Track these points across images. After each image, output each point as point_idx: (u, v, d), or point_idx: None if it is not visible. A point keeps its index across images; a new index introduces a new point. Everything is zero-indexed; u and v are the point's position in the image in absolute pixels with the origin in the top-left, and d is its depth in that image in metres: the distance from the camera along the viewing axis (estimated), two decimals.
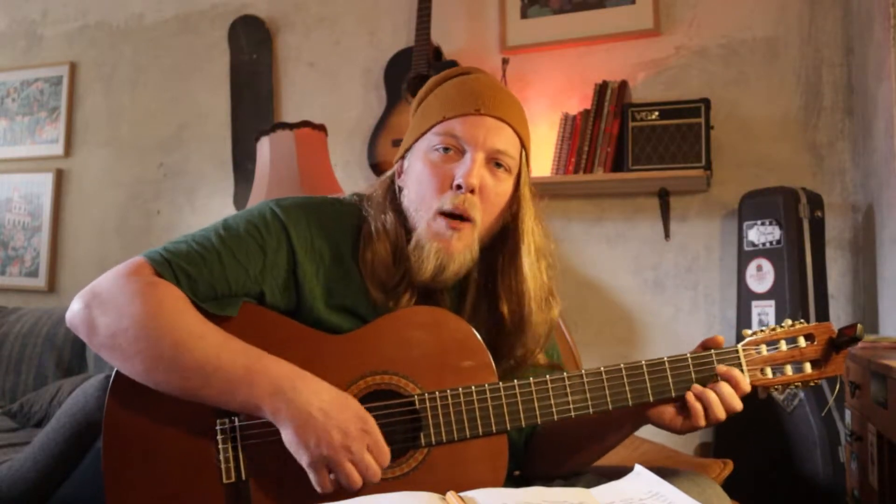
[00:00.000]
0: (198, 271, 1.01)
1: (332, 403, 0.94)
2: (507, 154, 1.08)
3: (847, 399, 1.95)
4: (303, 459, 0.93)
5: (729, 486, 1.43)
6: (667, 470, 1.03)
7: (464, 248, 1.06)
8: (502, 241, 1.12)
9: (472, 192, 1.05)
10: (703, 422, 1.02)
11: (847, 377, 1.90)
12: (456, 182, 1.05)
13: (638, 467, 0.96)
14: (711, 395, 1.02)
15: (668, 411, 1.05)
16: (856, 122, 2.45)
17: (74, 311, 0.99)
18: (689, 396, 1.03)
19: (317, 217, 1.11)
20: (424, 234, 1.06)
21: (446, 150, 1.07)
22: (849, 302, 2.44)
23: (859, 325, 1.04)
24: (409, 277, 1.08)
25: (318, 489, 0.93)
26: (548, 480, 1.13)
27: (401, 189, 1.13)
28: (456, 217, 1.05)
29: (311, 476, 0.93)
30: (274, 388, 0.93)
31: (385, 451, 0.95)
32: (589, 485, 0.93)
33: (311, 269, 1.07)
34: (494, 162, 1.08)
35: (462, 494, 0.88)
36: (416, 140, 1.12)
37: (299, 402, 0.93)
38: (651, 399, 1.04)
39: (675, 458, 1.78)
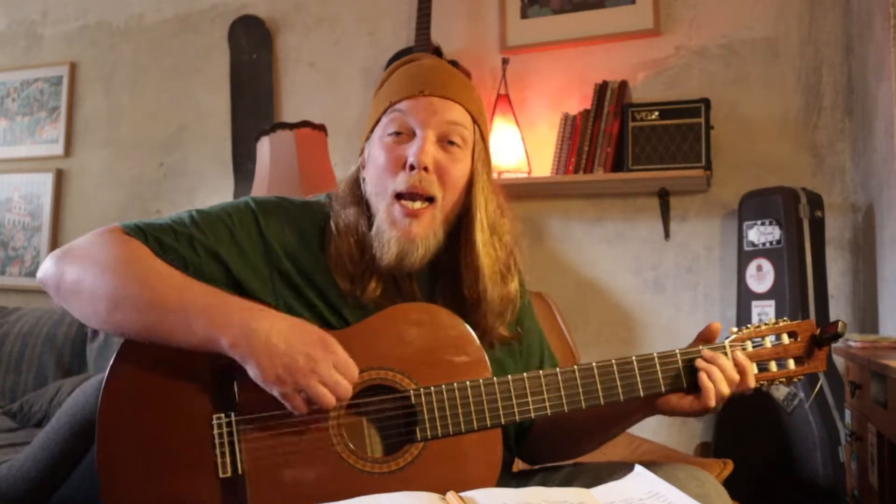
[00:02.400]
0: (169, 241, 1.05)
1: (292, 330, 0.96)
2: (457, 125, 1.08)
3: (847, 399, 1.95)
4: (274, 390, 0.94)
5: (729, 486, 1.42)
6: (665, 465, 1.03)
7: (425, 232, 1.06)
8: (460, 219, 1.12)
9: (425, 170, 1.05)
10: (712, 394, 1.02)
11: (847, 377, 1.90)
12: (409, 162, 1.06)
13: (638, 467, 0.97)
14: (716, 372, 1.04)
15: (674, 396, 1.07)
16: (856, 122, 2.45)
17: (45, 267, 1.04)
18: (701, 375, 1.04)
19: (288, 214, 1.13)
20: (383, 220, 1.07)
21: (398, 133, 1.08)
22: (849, 302, 2.44)
23: (841, 322, 1.07)
24: (374, 265, 1.08)
25: (295, 412, 0.96)
26: (549, 472, 1.14)
27: (364, 180, 1.14)
28: (414, 198, 1.05)
29: (286, 403, 0.95)
30: (231, 321, 0.95)
31: (351, 366, 0.97)
32: (589, 485, 0.94)
33: (284, 258, 1.09)
34: (447, 140, 1.08)
35: (462, 494, 0.88)
36: (371, 131, 1.14)
37: (259, 334, 0.94)
38: (642, 394, 1.06)
39: (675, 457, 1.78)
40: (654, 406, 1.08)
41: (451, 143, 1.08)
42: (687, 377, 1.06)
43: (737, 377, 1.05)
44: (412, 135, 1.08)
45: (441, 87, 1.09)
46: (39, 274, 1.04)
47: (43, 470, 1.36)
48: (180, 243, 1.05)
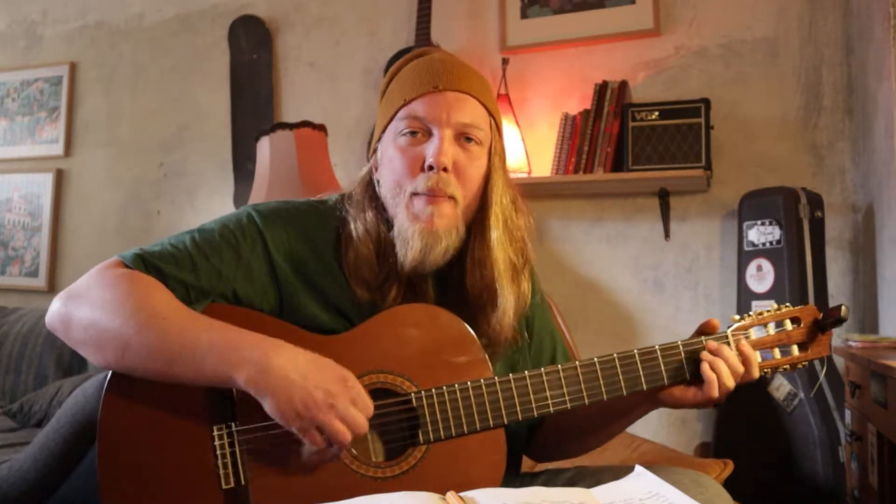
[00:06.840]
0: (169, 269, 1.02)
1: (309, 365, 0.94)
2: (474, 126, 1.06)
3: (847, 399, 1.95)
4: (292, 425, 0.92)
5: (729, 486, 1.42)
6: (669, 470, 1.03)
7: (448, 226, 1.04)
8: (475, 214, 1.10)
9: (444, 170, 1.03)
10: (715, 385, 1.02)
11: (847, 377, 1.90)
12: (427, 163, 1.03)
13: (638, 467, 0.97)
14: (720, 363, 1.03)
15: (677, 388, 1.07)
16: (856, 122, 2.45)
17: (52, 311, 1.01)
18: (704, 367, 1.04)
19: (294, 220, 1.10)
20: (404, 218, 1.05)
21: (413, 133, 1.06)
22: (849, 302, 2.44)
23: (844, 306, 1.06)
24: (395, 270, 1.06)
25: (313, 447, 0.93)
26: (553, 475, 1.14)
27: (378, 182, 1.12)
28: (435, 196, 1.03)
29: (303, 438, 0.93)
30: (245, 358, 0.93)
31: (369, 404, 0.95)
32: (589, 485, 0.94)
33: (290, 271, 1.07)
34: (464, 137, 1.06)
35: (462, 494, 0.88)
36: (384, 130, 1.11)
37: (276, 370, 0.92)
38: (644, 387, 1.05)
39: (675, 458, 1.78)
40: (657, 399, 1.08)
41: (469, 139, 1.06)
42: (690, 368, 1.06)
43: (741, 368, 1.04)
44: (428, 134, 1.06)
45: (456, 81, 1.07)
46: (47, 318, 1.01)
47: (43, 470, 1.36)
48: (182, 270, 1.02)
